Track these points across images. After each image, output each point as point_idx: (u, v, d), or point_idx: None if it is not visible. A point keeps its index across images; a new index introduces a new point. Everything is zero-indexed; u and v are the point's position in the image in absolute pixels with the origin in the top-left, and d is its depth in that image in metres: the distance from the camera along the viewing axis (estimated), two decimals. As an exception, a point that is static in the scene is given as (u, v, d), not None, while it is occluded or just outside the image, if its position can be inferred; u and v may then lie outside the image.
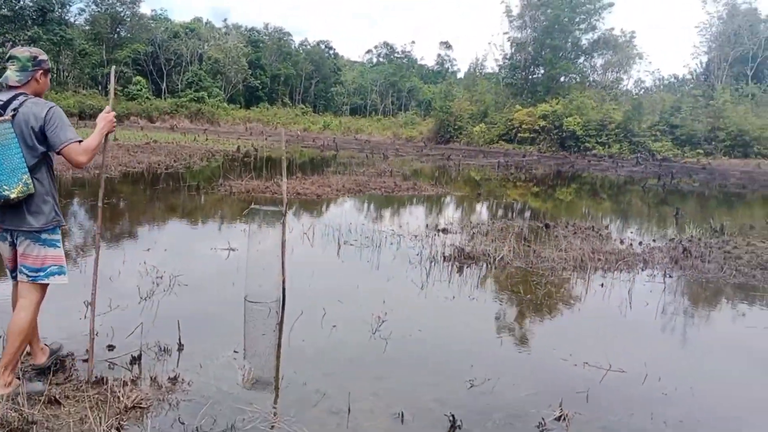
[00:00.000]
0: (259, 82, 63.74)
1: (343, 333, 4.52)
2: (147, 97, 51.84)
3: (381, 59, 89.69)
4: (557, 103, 42.57)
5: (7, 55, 3.08)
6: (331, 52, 78.80)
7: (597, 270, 6.92)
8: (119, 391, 3.16)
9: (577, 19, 46.44)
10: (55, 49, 47.40)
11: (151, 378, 3.42)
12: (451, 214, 11.81)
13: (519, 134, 42.91)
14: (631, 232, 9.97)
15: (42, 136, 2.97)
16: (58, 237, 3.15)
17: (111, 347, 3.86)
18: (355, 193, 13.54)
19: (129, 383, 3.32)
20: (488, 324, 5.10)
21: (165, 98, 54.40)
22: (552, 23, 45.47)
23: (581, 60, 49.74)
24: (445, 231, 8.99)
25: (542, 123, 41.94)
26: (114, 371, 3.53)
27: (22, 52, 3.05)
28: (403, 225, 9.48)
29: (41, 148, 3.00)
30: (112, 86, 3.64)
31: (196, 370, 3.63)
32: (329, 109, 71.63)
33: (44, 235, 3.07)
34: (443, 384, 3.72)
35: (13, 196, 2.86)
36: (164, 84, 57.32)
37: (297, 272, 5.69)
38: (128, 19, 56.79)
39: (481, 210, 12.85)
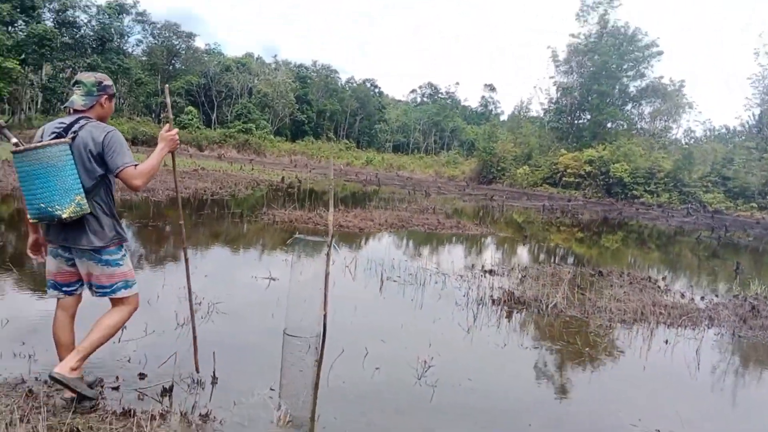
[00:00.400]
0: (305, 116, 64.93)
1: (387, 376, 4.20)
2: (197, 127, 53.22)
3: (425, 99, 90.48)
4: (604, 149, 41.87)
5: (73, 80, 3.14)
6: (376, 90, 79.96)
7: (659, 324, 6.41)
8: (146, 426, 2.91)
9: (625, 66, 45.95)
10: (113, 77, 48.83)
11: (181, 413, 3.16)
12: (496, 255, 11.40)
13: (564, 178, 42.21)
14: (691, 286, 9.38)
15: (100, 159, 3.00)
16: (120, 255, 3.16)
17: (142, 375, 3.63)
18: (398, 228, 13.28)
19: (157, 417, 3.06)
20: (543, 377, 4.69)
21: (214, 128, 55.78)
22: (599, 69, 45.08)
23: (629, 107, 49.06)
24: (491, 272, 8.61)
25: (588, 168, 41.19)
26: (143, 402, 3.28)
27: (88, 77, 3.12)
28: (448, 263, 9.14)
29: (100, 170, 3.03)
30: (168, 103, 3.53)
31: (229, 407, 3.36)
32: (372, 145, 72.25)
33: (105, 256, 3.08)
34: (498, 442, 3.35)
35: (64, 216, 2.86)
36: (214, 114, 58.90)
37: (338, 306, 5.40)
38: (183, 52, 58.97)
39: (528, 253, 12.40)
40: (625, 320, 6.42)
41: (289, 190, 20.91)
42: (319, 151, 56.92)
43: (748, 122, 49.99)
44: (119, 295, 3.14)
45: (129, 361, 3.87)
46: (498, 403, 3.99)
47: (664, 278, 9.57)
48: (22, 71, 41.83)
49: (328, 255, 4.76)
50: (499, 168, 46.78)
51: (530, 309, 6.53)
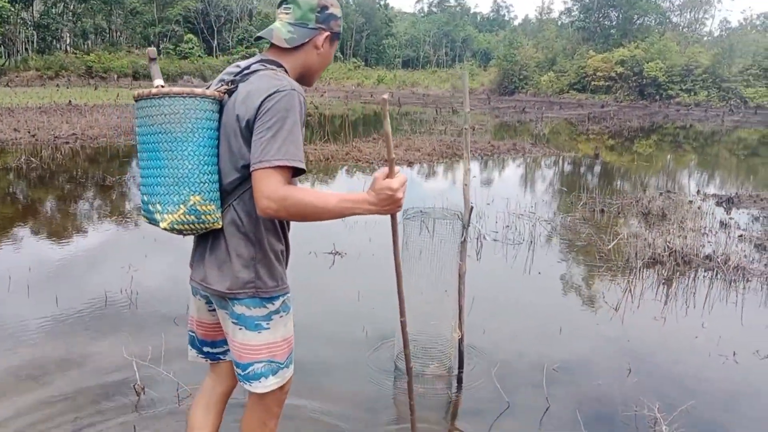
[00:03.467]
0: (309, 36, 61.43)
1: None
2: (199, 56, 50.41)
3: (433, 8, 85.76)
4: (636, 47, 38.85)
5: None
6: (382, 2, 75.35)
7: None
8: None
9: (658, -48, 42.02)
10: (107, 8, 46.38)
11: None
12: (587, 184, 9.31)
13: (593, 82, 39.46)
14: None
15: (250, 135, 1.50)
16: (268, 311, 1.60)
17: None
18: (449, 156, 11.30)
19: None
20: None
21: (216, 56, 52.90)
22: (630, -42, 41.18)
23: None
24: (602, 212, 6.75)
25: (620, 69, 38.40)
26: None
27: None
28: (539, 203, 7.29)
29: (249, 156, 1.51)
30: (387, 129, 1.52)
31: None
32: (381, 62, 68.87)
33: (238, 308, 1.58)
34: None
35: (162, 225, 1.52)
36: (215, 41, 55.75)
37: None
38: (178, -24, 55.20)
39: (619, 178, 10.43)
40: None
41: (308, 118, 18.82)
42: (328, 72, 53.87)
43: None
44: (255, 387, 1.63)
45: None
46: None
47: (807, 201, 7.67)
48: (13, 9, 39.33)
49: (463, 243, 2.91)
50: (521, 77, 43.90)
51: (702, 271, 4.70)
